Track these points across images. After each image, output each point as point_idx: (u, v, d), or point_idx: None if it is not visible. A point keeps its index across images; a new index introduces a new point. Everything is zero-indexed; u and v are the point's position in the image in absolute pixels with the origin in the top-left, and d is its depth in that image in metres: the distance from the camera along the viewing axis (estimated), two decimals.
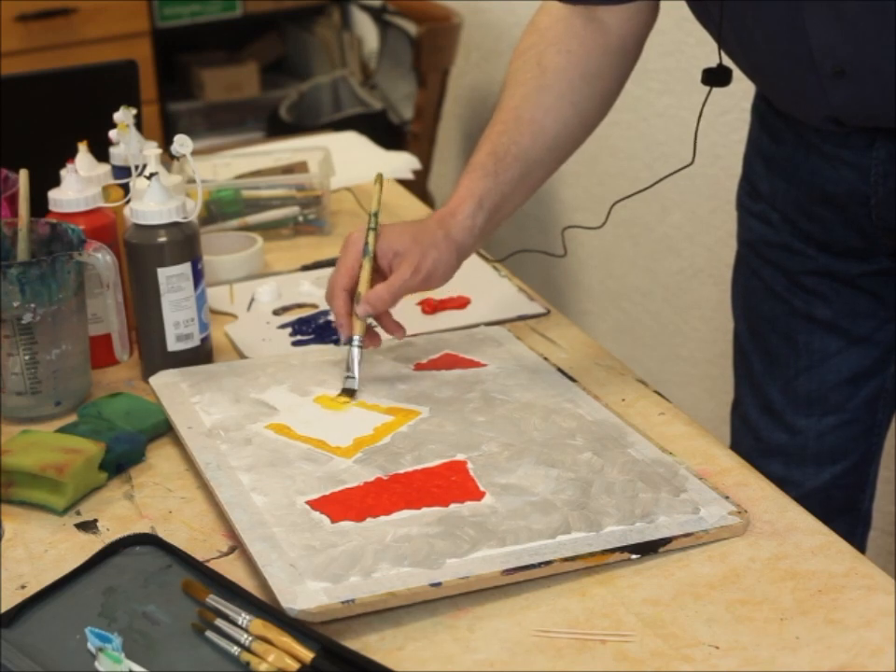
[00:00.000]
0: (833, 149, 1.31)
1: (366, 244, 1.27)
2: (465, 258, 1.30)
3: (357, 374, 1.27)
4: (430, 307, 1.50)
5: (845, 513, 1.49)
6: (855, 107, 1.25)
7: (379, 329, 1.31)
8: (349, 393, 1.28)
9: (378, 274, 1.28)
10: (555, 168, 1.37)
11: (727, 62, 1.32)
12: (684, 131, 2.36)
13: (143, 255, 1.32)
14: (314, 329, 1.46)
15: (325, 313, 1.50)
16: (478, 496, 1.10)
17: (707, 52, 1.35)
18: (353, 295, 1.27)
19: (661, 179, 1.46)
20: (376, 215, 1.30)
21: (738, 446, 1.49)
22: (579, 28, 1.34)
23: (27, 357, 1.27)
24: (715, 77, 1.33)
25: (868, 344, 1.41)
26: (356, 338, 1.27)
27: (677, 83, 2.36)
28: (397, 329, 1.30)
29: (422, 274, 1.26)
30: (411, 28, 3.06)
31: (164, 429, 1.26)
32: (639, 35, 1.37)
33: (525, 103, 1.33)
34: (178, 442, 1.23)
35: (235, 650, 0.94)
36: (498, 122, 1.33)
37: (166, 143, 1.32)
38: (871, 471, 1.51)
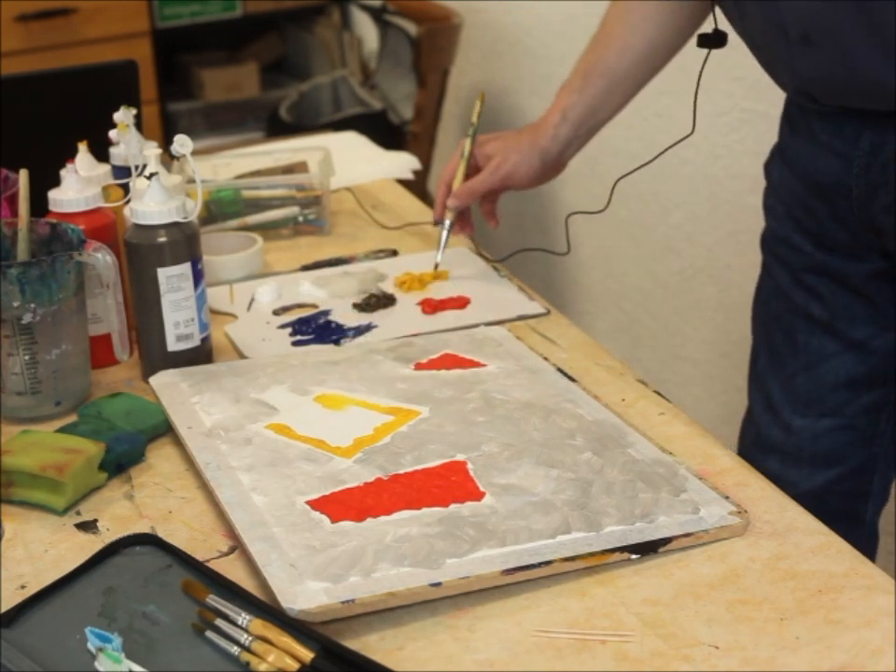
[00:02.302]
0: (827, 138, 1.32)
1: (463, 149, 1.57)
2: (551, 163, 1.53)
3: (440, 252, 1.57)
4: (430, 307, 1.50)
5: (841, 521, 1.48)
6: (819, 78, 1.26)
7: None
8: (435, 267, 1.56)
9: (477, 172, 1.56)
10: (647, 79, 1.53)
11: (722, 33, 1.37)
12: (684, 131, 2.36)
13: (143, 255, 1.32)
14: (314, 329, 1.46)
15: (325, 313, 1.50)
16: (478, 496, 1.10)
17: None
18: (451, 187, 1.56)
19: (663, 151, 1.54)
20: (474, 126, 1.58)
21: (743, 437, 1.51)
22: None
23: (27, 357, 1.27)
24: (710, 40, 1.37)
25: (864, 351, 1.41)
26: (447, 221, 1.56)
27: (676, 83, 2.36)
28: (491, 217, 1.60)
29: (500, 174, 1.53)
30: (411, 28, 3.06)
31: (164, 429, 1.26)
32: None
33: (615, 21, 1.50)
34: (178, 442, 1.23)
35: (235, 650, 0.94)
36: (592, 41, 1.51)
37: (166, 143, 1.32)
38: (874, 481, 1.49)
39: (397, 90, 3.20)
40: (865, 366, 1.42)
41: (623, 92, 1.52)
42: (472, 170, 1.57)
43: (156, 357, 1.34)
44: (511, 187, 1.55)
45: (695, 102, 1.43)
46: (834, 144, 1.31)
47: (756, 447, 1.48)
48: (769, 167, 1.46)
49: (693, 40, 1.43)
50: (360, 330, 1.46)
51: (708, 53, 1.37)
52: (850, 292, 1.39)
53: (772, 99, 1.49)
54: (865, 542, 1.53)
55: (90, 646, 0.94)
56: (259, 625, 0.95)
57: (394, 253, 1.67)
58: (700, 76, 1.40)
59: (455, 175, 1.56)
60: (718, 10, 1.37)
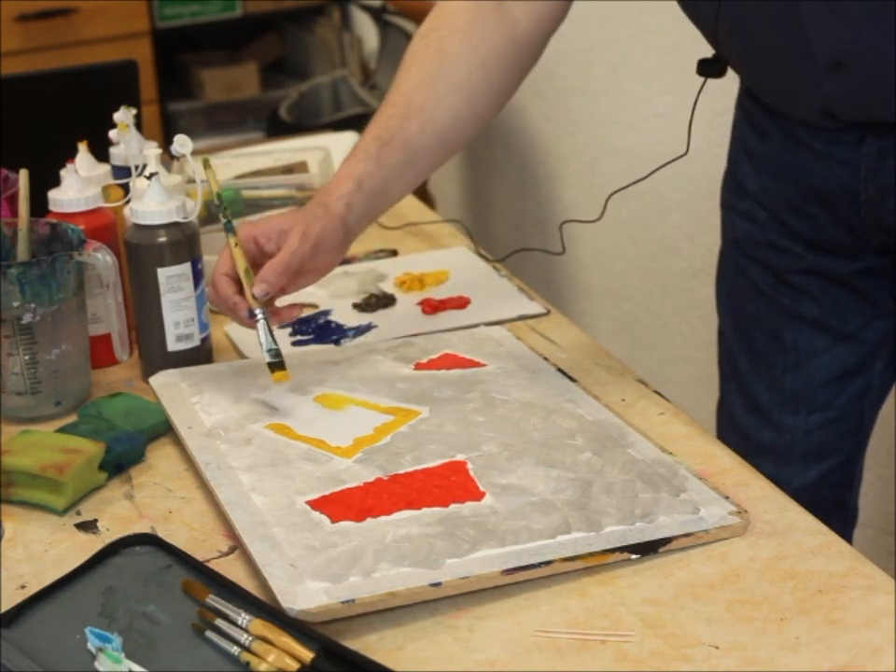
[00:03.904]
0: (823, 146, 1.31)
1: (225, 223, 1.26)
2: (351, 235, 1.27)
3: (277, 345, 1.23)
4: (430, 307, 1.50)
5: (834, 512, 1.49)
6: (850, 100, 1.25)
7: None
8: (280, 366, 1.23)
9: (268, 259, 1.24)
10: (444, 159, 1.35)
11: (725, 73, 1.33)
12: (684, 131, 2.36)
13: (143, 255, 1.32)
14: (314, 329, 1.46)
15: (325, 313, 1.50)
16: (478, 496, 1.10)
17: (707, 51, 1.35)
18: (234, 279, 1.24)
19: (656, 170, 1.47)
20: (220, 195, 1.29)
21: (723, 441, 1.50)
22: (486, 17, 1.33)
23: (27, 357, 1.27)
24: (710, 68, 1.33)
25: (855, 342, 1.42)
26: (259, 311, 1.22)
27: (676, 83, 2.36)
28: (292, 309, 1.27)
29: (311, 241, 1.23)
30: (411, 28, 3.06)
31: (164, 429, 1.26)
32: (544, 35, 1.36)
33: (419, 88, 1.31)
34: (178, 442, 1.23)
35: (235, 650, 0.94)
36: (389, 106, 1.31)
37: (166, 143, 1.32)
38: (858, 469, 1.51)
39: None
40: (855, 357, 1.43)
41: (420, 169, 1.31)
42: (255, 254, 1.25)
43: (156, 356, 1.34)
44: (319, 264, 1.26)
45: (690, 124, 1.41)
46: (833, 151, 1.30)
47: (743, 451, 1.47)
48: (738, 176, 1.44)
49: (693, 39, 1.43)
50: (360, 330, 1.46)
51: (705, 81, 1.35)
52: (841, 288, 1.39)
53: None
54: (850, 527, 1.54)
55: (90, 646, 0.94)
56: (259, 625, 0.95)
57: (394, 253, 1.67)
58: (696, 101, 1.38)
59: (237, 262, 1.24)
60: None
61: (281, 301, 1.27)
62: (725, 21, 1.28)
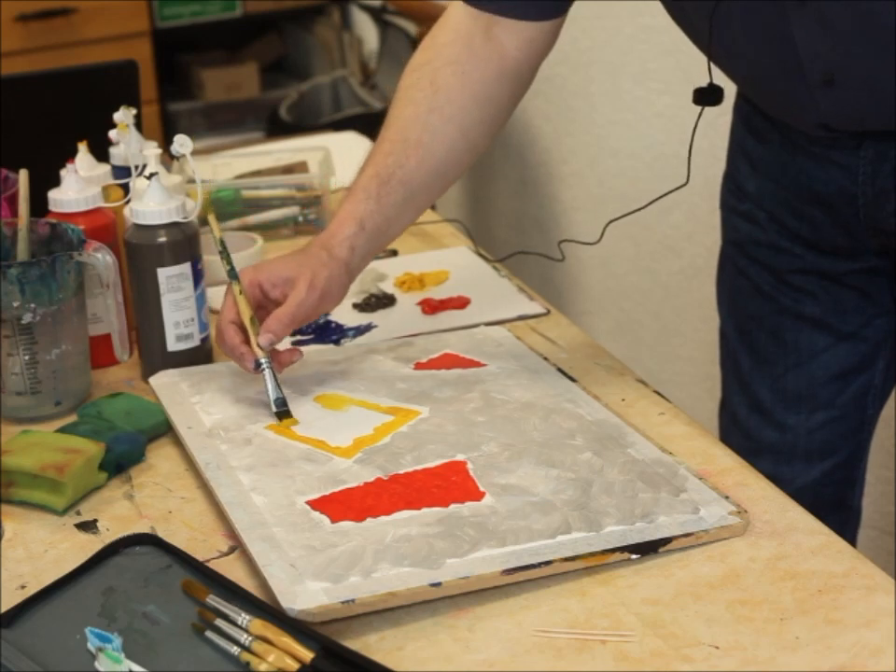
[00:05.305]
0: (821, 151, 1.32)
1: (229, 270, 1.28)
2: (353, 277, 1.29)
3: (282, 394, 1.24)
4: (430, 307, 1.50)
5: (835, 511, 1.49)
6: (845, 114, 1.26)
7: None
8: (287, 414, 1.24)
9: (273, 305, 1.27)
10: (440, 193, 1.36)
11: (717, 78, 1.33)
12: (684, 130, 2.36)
13: (143, 255, 1.32)
14: (314, 329, 1.46)
15: (325, 313, 1.50)
16: (478, 496, 1.10)
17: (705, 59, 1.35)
18: (241, 327, 1.25)
19: (656, 199, 1.46)
20: (222, 241, 1.30)
21: (727, 445, 1.50)
22: (477, 48, 1.33)
23: (27, 357, 1.27)
24: (706, 97, 1.34)
25: (856, 340, 1.42)
26: (263, 361, 1.24)
27: (677, 83, 2.36)
28: (293, 353, 1.28)
29: (318, 291, 1.24)
30: (411, 28, 3.06)
31: (164, 429, 1.26)
32: (534, 62, 1.36)
33: (414, 123, 1.31)
34: (178, 442, 1.23)
35: (235, 650, 0.94)
36: (385, 142, 1.31)
37: (166, 143, 1.32)
38: (860, 467, 1.51)
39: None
40: (857, 355, 1.43)
41: (418, 204, 1.33)
42: (260, 299, 1.28)
43: (156, 356, 1.35)
44: (324, 310, 1.29)
45: (690, 155, 1.41)
46: (831, 155, 1.31)
47: (745, 450, 1.47)
48: (738, 178, 1.45)
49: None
50: (360, 330, 1.46)
51: (702, 110, 1.36)
52: (841, 287, 1.40)
53: None
54: (853, 528, 1.54)
55: (90, 646, 0.94)
56: (259, 625, 0.95)
57: (394, 253, 1.67)
58: (694, 132, 1.38)
59: (241, 311, 1.26)
60: (709, 64, 1.35)
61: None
62: (718, 41, 1.28)
